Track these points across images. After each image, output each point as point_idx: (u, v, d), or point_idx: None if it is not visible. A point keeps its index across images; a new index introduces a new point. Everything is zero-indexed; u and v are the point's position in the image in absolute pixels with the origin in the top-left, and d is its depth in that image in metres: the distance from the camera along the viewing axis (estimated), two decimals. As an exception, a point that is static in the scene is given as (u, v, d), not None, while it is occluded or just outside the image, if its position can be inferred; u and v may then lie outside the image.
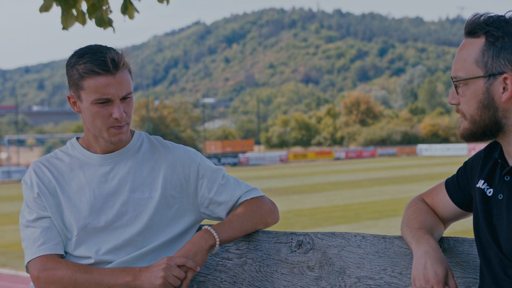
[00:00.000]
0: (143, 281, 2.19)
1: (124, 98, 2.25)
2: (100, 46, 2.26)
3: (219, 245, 2.27)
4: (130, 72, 2.28)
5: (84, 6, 4.51)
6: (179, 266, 2.20)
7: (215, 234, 2.26)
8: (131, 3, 4.54)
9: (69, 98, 2.31)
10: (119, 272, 2.22)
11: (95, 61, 2.19)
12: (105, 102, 2.22)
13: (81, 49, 2.26)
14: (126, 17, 4.53)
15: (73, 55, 2.26)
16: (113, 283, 2.20)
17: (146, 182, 2.33)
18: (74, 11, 4.46)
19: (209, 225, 2.31)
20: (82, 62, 2.20)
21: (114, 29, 4.55)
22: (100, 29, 4.51)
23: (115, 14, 4.55)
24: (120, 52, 2.24)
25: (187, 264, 2.20)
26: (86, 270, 2.22)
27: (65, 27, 4.46)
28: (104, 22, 4.47)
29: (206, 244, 2.25)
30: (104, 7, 4.49)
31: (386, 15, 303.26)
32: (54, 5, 4.45)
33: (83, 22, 4.49)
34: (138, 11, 4.53)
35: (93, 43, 2.30)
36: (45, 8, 4.42)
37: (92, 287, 2.21)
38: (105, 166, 2.33)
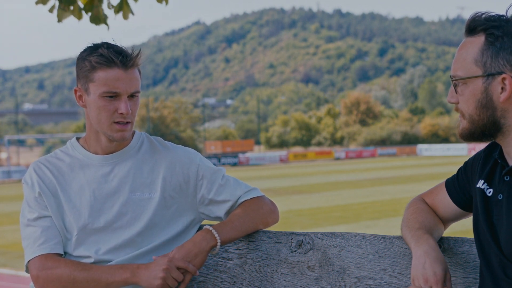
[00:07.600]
0: (141, 278, 2.19)
1: (131, 96, 2.26)
2: (114, 44, 2.28)
3: (220, 245, 2.27)
4: (140, 73, 2.30)
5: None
6: (178, 268, 2.20)
7: (216, 235, 2.26)
8: (127, 4, 4.55)
9: (75, 91, 2.31)
10: (117, 269, 2.21)
11: (111, 53, 2.21)
12: (113, 96, 2.23)
13: (94, 43, 2.28)
14: (121, 17, 4.55)
15: (85, 49, 2.27)
16: (111, 280, 2.20)
17: (146, 182, 2.33)
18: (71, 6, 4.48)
19: (210, 225, 2.30)
20: (95, 54, 2.22)
21: (108, 26, 4.57)
22: (101, 29, 4.59)
23: (113, 13, 4.56)
24: (133, 51, 2.26)
25: (188, 269, 2.20)
26: (84, 268, 2.22)
27: (59, 20, 4.48)
28: (98, 19, 4.50)
29: (207, 245, 2.25)
30: (105, 1, 4.51)
31: (386, 15, 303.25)
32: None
33: (79, 17, 4.50)
34: (133, 13, 4.54)
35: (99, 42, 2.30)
36: (42, 1, 4.43)
37: (91, 284, 2.21)
38: (106, 166, 2.33)
